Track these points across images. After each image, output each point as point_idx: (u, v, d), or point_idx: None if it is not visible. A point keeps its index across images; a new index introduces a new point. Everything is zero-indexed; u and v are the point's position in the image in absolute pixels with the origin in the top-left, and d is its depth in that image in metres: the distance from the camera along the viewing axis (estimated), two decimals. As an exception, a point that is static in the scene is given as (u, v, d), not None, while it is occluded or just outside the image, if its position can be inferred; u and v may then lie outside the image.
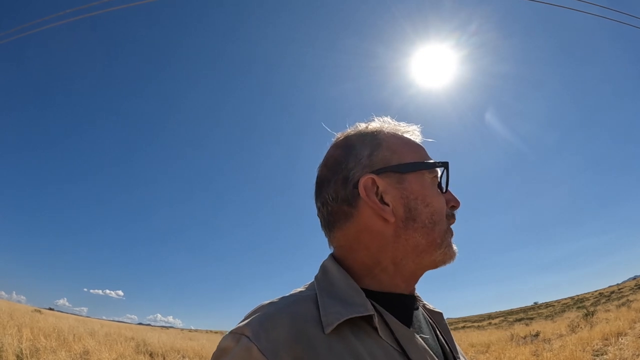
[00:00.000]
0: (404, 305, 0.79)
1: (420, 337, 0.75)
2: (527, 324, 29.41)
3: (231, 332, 0.67)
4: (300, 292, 0.77)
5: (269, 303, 0.72)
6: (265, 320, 0.65)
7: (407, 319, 0.78)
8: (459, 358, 0.84)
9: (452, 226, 0.84)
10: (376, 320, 0.70)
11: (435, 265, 0.81)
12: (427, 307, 0.92)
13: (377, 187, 0.78)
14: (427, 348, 0.73)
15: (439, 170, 0.84)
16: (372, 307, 0.71)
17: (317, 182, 0.86)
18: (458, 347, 0.88)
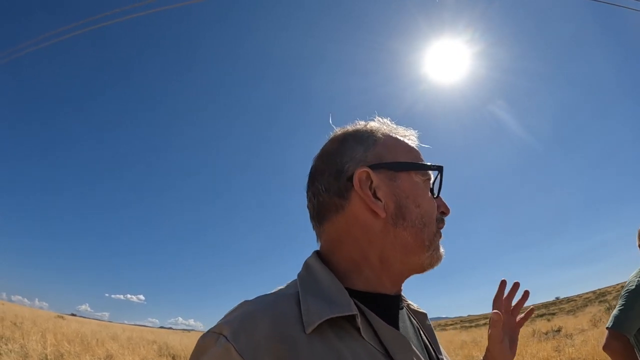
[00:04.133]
0: (388, 305, 0.79)
1: (404, 337, 0.74)
2: (548, 320, 28.94)
3: (210, 330, 0.66)
4: (283, 290, 0.76)
5: (250, 301, 0.71)
6: (245, 319, 0.64)
7: (391, 319, 0.77)
8: (443, 359, 0.84)
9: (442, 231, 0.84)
10: (359, 320, 0.69)
11: (422, 268, 0.81)
12: (412, 307, 0.91)
13: (371, 182, 0.78)
14: (413, 348, 0.73)
15: (432, 176, 0.85)
16: (355, 306, 0.70)
17: (310, 174, 0.87)
18: (442, 348, 0.88)
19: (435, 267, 0.82)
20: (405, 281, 0.84)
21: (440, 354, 0.85)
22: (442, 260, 0.82)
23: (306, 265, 0.81)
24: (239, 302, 0.72)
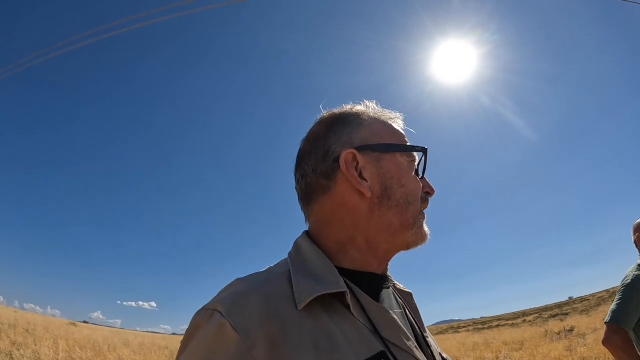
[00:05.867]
0: (375, 284, 0.81)
1: (391, 314, 0.76)
2: (561, 320, 28.68)
3: (204, 307, 0.67)
4: (274, 268, 0.78)
5: (243, 279, 0.72)
6: (238, 296, 0.66)
7: (378, 296, 0.80)
8: (428, 337, 0.86)
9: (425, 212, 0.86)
10: (348, 297, 0.71)
11: (407, 246, 0.83)
12: (398, 287, 0.93)
13: (357, 163, 0.81)
14: (400, 324, 0.75)
15: (417, 158, 0.87)
16: (344, 284, 0.72)
17: (298, 156, 0.89)
18: (427, 328, 0.89)
19: (421, 246, 0.84)
20: (414, 284, 0.86)
21: (425, 332, 0.87)
22: (429, 240, 0.84)
23: (296, 244, 0.83)
24: (233, 280, 0.73)
